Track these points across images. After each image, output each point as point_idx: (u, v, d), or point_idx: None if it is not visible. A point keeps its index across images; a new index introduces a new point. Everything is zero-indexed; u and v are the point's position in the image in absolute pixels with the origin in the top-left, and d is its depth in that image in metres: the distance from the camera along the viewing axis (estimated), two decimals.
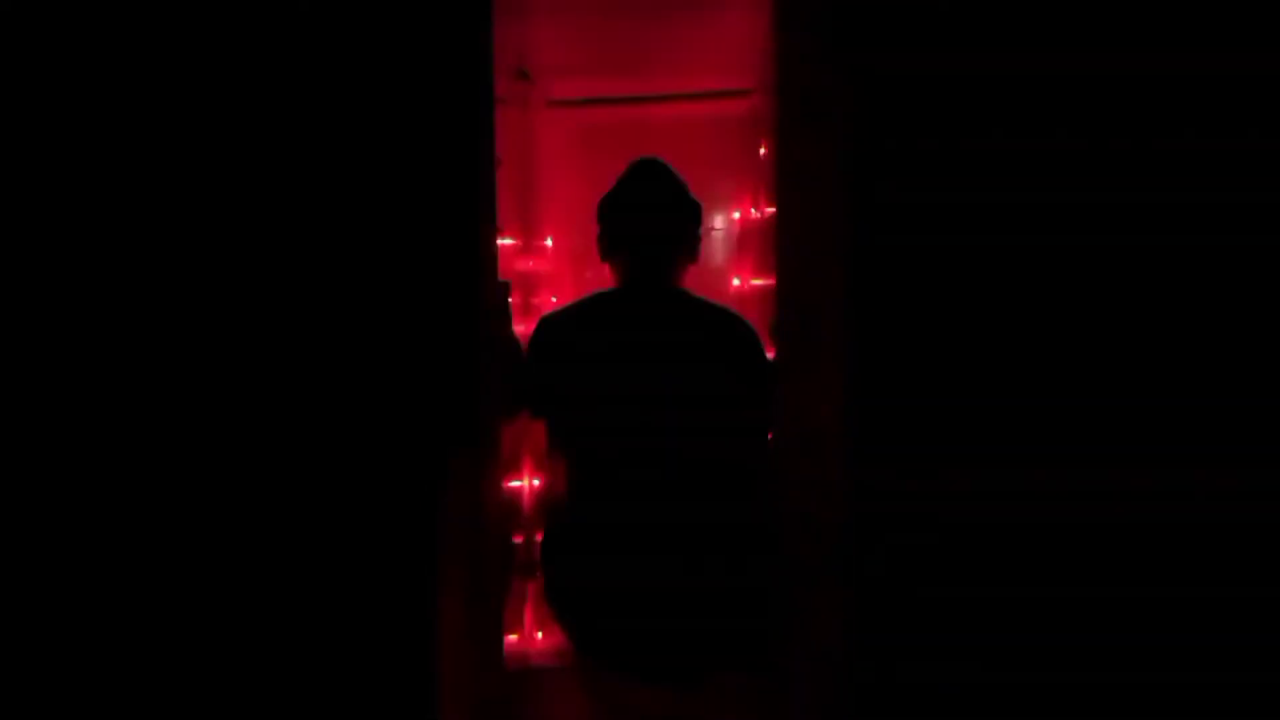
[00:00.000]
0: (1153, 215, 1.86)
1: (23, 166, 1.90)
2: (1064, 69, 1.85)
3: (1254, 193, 1.85)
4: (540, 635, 3.08)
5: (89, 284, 1.90)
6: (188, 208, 1.90)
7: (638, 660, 2.22)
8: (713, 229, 3.73)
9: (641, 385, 2.23)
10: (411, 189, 1.90)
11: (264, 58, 1.89)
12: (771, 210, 2.05)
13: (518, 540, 2.90)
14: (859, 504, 1.88)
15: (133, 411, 1.90)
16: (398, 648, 1.90)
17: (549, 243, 3.60)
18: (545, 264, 3.60)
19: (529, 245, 3.43)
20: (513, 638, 3.01)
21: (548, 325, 2.41)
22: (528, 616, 3.09)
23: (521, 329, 2.74)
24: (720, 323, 2.36)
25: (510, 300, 2.49)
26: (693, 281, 2.45)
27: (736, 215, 3.69)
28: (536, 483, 2.99)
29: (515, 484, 2.95)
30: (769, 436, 2.12)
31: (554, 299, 3.59)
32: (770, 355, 2.17)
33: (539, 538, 2.44)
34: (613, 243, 2.43)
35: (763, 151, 3.07)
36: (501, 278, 2.16)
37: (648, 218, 2.39)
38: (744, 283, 3.49)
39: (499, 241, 2.08)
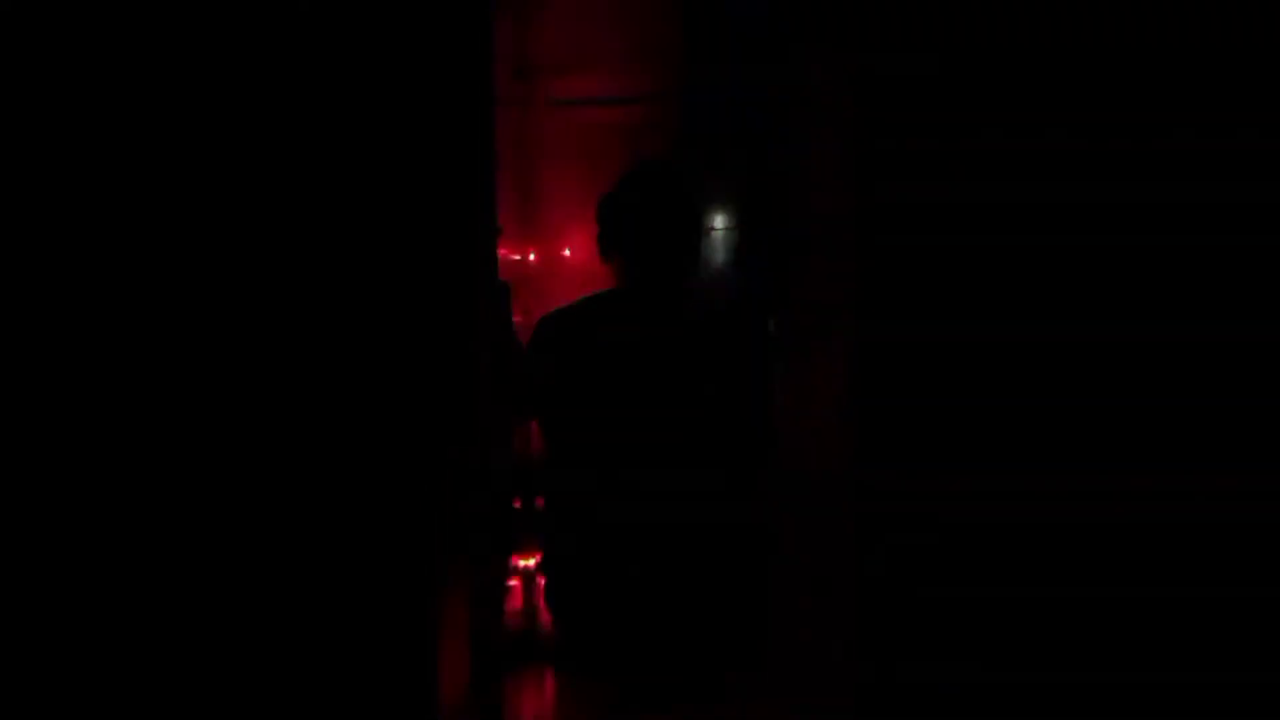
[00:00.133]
0: (1152, 216, 1.86)
1: (23, 167, 1.90)
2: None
3: (1251, 193, 1.85)
4: (540, 635, 3.07)
5: (81, 270, 1.90)
6: (187, 211, 1.90)
7: (637, 664, 2.22)
8: (713, 229, 3.73)
9: (640, 385, 2.23)
10: (408, 189, 1.90)
11: (261, 56, 1.89)
12: (772, 211, 2.05)
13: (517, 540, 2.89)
14: (859, 504, 1.88)
15: (131, 412, 1.90)
16: (396, 646, 1.90)
17: (566, 252, 3.56)
18: (548, 265, 3.59)
19: (529, 246, 3.43)
20: (512, 638, 3.01)
21: (546, 324, 2.41)
22: (529, 617, 3.09)
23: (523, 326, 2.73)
24: (720, 323, 2.36)
25: (511, 303, 2.49)
26: (693, 281, 2.45)
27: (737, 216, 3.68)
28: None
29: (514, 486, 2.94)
30: (768, 436, 2.12)
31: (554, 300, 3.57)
32: (770, 356, 2.17)
33: (538, 538, 2.44)
34: (613, 243, 2.43)
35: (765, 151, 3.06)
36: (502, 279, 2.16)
37: (647, 218, 2.39)
38: (743, 283, 3.48)
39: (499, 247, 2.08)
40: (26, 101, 1.89)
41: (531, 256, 3.45)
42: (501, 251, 2.13)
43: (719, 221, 3.72)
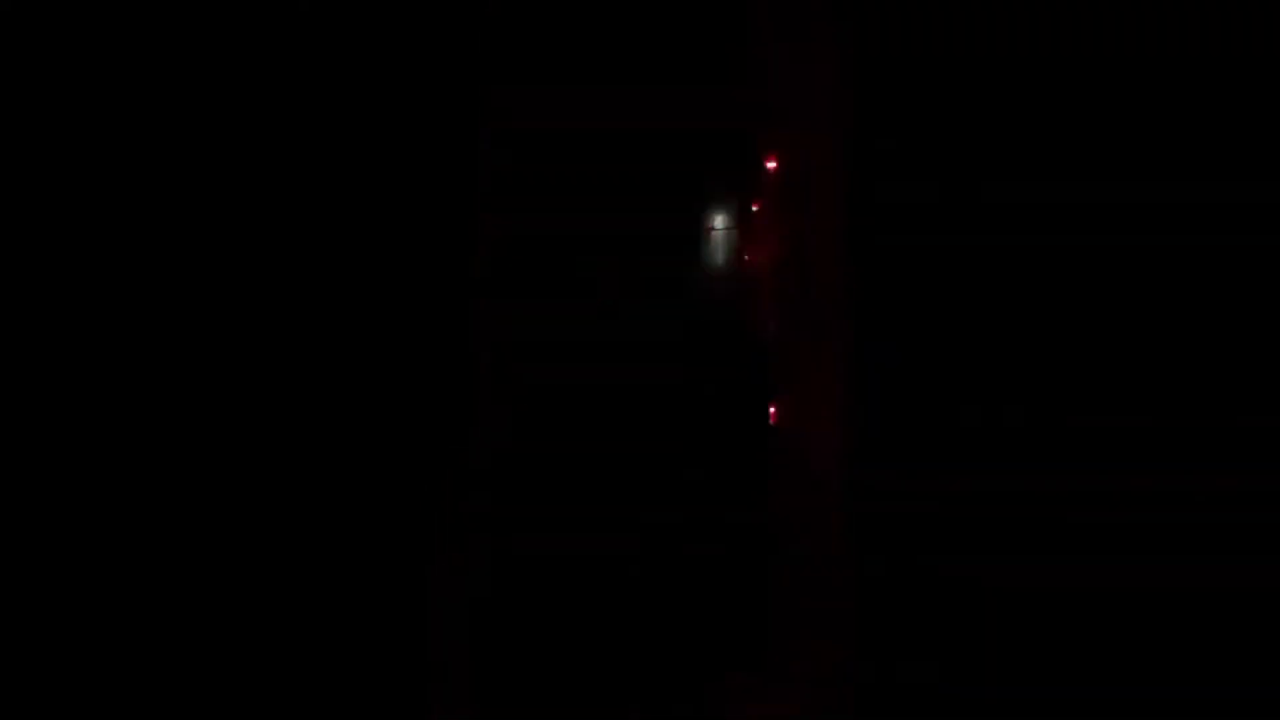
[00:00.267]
0: (1154, 215, 1.86)
1: (23, 167, 1.90)
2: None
3: (1253, 194, 1.85)
4: (539, 635, 3.06)
5: (85, 276, 1.90)
6: (187, 216, 1.90)
7: (631, 666, 2.21)
8: (714, 229, 3.72)
9: (638, 385, 2.22)
10: (409, 196, 1.90)
11: (264, 67, 1.89)
12: (773, 210, 2.05)
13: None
14: (859, 504, 1.88)
15: (132, 412, 1.90)
16: (395, 645, 1.90)
17: None
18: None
19: None
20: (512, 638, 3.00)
21: (542, 324, 2.40)
22: (527, 616, 3.08)
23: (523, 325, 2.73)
24: (720, 323, 2.35)
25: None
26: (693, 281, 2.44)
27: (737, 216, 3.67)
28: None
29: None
30: (767, 437, 2.12)
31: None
32: (770, 355, 2.17)
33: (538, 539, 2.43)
34: (605, 243, 2.42)
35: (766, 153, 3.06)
36: None
37: (647, 219, 2.38)
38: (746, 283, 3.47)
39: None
40: (28, 102, 1.89)
41: None
42: None
43: (719, 221, 3.71)
